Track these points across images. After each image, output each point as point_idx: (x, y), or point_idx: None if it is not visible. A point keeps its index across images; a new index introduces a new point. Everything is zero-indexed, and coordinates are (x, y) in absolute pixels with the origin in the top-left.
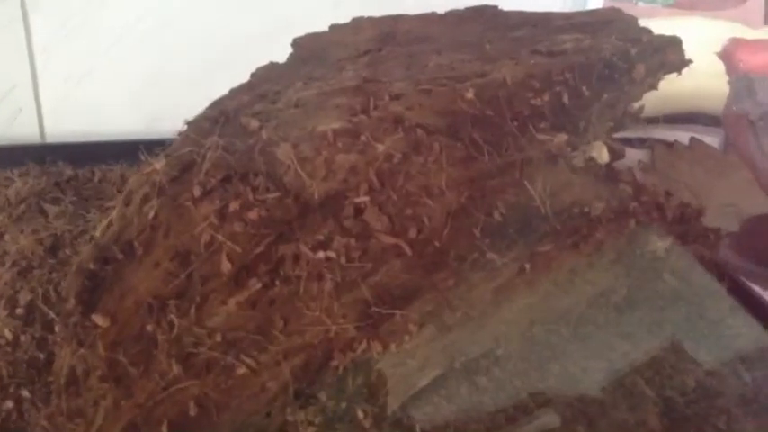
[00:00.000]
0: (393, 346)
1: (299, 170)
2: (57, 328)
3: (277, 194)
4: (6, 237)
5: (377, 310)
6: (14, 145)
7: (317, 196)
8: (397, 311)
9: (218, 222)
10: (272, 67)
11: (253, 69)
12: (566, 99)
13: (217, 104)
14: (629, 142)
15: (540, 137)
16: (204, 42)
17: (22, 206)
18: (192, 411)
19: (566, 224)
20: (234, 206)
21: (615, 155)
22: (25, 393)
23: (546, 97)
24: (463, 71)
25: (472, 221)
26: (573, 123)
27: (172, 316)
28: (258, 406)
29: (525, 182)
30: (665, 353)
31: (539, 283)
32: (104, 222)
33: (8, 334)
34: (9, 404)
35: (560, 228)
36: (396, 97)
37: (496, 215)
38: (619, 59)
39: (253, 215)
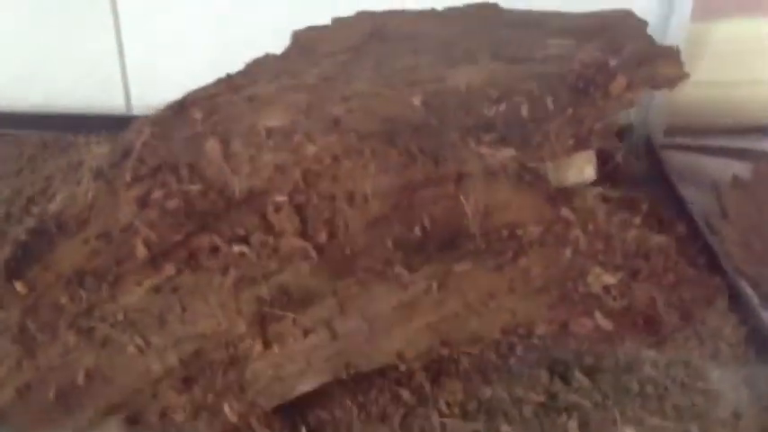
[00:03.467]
0: (276, 348)
1: (222, 165)
2: None
3: (200, 187)
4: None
5: (269, 310)
6: (101, 114)
7: (238, 192)
8: (289, 314)
9: (138, 208)
10: (265, 58)
11: None
12: (524, 111)
13: (187, 94)
14: (725, 152)
15: (483, 150)
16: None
17: (80, 171)
18: (81, 381)
19: (492, 245)
20: (157, 194)
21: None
22: None
23: (501, 107)
24: (422, 75)
25: (389, 232)
26: (525, 138)
27: (84, 291)
28: (142, 385)
29: (460, 196)
30: None
31: (448, 303)
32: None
33: None
34: None
35: (485, 248)
36: (344, 99)
37: (417, 229)
38: (596, 72)
39: (173, 204)
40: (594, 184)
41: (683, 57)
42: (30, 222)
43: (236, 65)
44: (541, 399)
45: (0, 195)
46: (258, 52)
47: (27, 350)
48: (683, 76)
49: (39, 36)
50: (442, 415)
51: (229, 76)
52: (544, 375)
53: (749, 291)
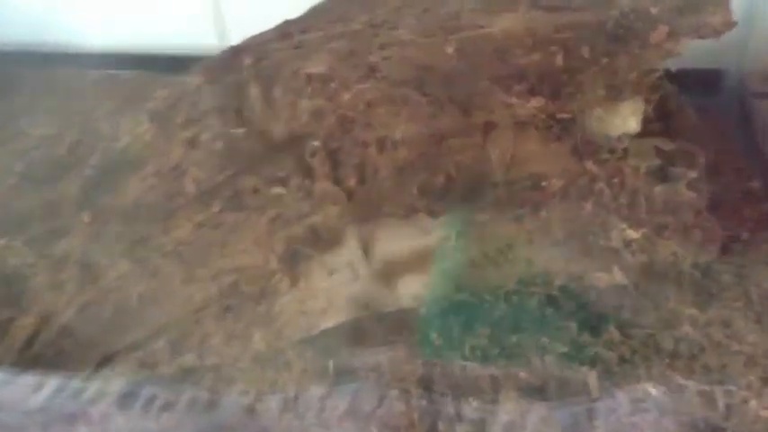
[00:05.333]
0: (302, 284)
1: (264, 110)
2: None
3: (243, 130)
4: None
5: (300, 249)
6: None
7: (278, 137)
8: (316, 254)
9: (188, 149)
10: (324, 4)
11: None
12: (559, 60)
13: (245, 40)
14: None
15: (513, 100)
16: None
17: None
18: (134, 304)
19: (514, 196)
20: (204, 136)
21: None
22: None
23: (535, 57)
24: (462, 22)
25: (415, 179)
26: (556, 88)
27: (140, 223)
28: (186, 312)
29: (487, 146)
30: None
31: (467, 251)
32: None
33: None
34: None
35: (507, 198)
36: (383, 46)
37: (442, 176)
38: (636, 19)
39: (218, 146)
40: (656, 134)
41: None
42: (99, 158)
43: None
44: (565, 349)
45: (97, 132)
46: None
47: (89, 274)
48: (730, 24)
49: None
50: (465, 358)
51: (286, 23)
52: (573, 327)
53: None
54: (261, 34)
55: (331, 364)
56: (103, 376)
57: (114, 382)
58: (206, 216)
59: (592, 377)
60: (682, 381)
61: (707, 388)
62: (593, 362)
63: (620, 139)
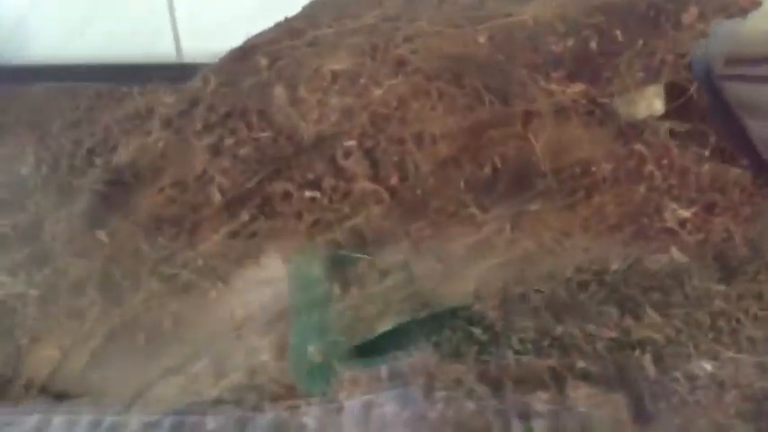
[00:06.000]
0: (355, 290)
1: (290, 111)
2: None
3: (270, 133)
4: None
5: (346, 253)
6: (152, 64)
7: (306, 138)
8: (365, 257)
9: (211, 156)
10: (323, 1)
11: None
12: (593, 45)
13: (246, 41)
14: None
15: (552, 86)
16: None
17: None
18: (167, 325)
19: (564, 183)
20: (228, 142)
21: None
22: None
23: (570, 42)
24: (489, 10)
25: (460, 173)
26: (595, 72)
27: (162, 238)
28: (226, 329)
29: (529, 135)
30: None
31: (521, 242)
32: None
33: None
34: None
35: (557, 187)
36: (407, 39)
37: (487, 169)
38: (666, 1)
39: (245, 151)
40: (660, 118)
41: None
42: (105, 173)
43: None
44: (613, 334)
45: (62, 148)
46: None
47: (112, 298)
48: (756, 4)
49: None
50: (516, 352)
51: (288, 21)
52: (614, 312)
53: None
54: (262, 33)
55: (384, 369)
56: (142, 408)
57: (155, 413)
58: (235, 226)
59: (646, 360)
60: (732, 354)
61: (762, 359)
62: (642, 345)
63: (646, 121)
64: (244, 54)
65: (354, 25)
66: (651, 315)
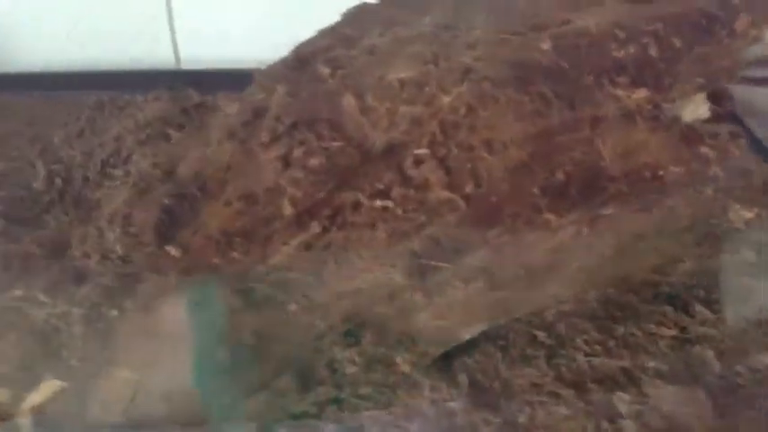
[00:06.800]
0: (437, 298)
1: (360, 120)
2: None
3: (340, 143)
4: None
5: (425, 262)
6: (150, 70)
7: (378, 146)
8: (445, 265)
9: (281, 168)
10: (362, 8)
11: None
12: (653, 51)
13: (297, 49)
14: None
15: (618, 92)
16: None
17: (148, 130)
18: (249, 341)
19: (635, 187)
20: (297, 153)
21: (721, 102)
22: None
23: (631, 49)
24: (547, 18)
25: (533, 179)
26: (657, 78)
27: (234, 252)
28: (307, 341)
29: (597, 140)
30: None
31: (598, 246)
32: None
33: (119, 249)
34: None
35: (628, 190)
36: (469, 46)
37: (560, 174)
38: (719, 8)
39: (315, 162)
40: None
41: None
42: (167, 186)
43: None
44: (673, 332)
45: (72, 159)
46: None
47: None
48: None
49: None
50: (587, 354)
51: (333, 28)
52: (669, 310)
53: None
54: (312, 41)
55: (464, 377)
56: (231, 425)
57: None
58: (308, 237)
59: (709, 356)
60: None
61: None
62: (701, 341)
63: (694, 124)
64: (300, 63)
65: (408, 33)
66: (702, 311)
